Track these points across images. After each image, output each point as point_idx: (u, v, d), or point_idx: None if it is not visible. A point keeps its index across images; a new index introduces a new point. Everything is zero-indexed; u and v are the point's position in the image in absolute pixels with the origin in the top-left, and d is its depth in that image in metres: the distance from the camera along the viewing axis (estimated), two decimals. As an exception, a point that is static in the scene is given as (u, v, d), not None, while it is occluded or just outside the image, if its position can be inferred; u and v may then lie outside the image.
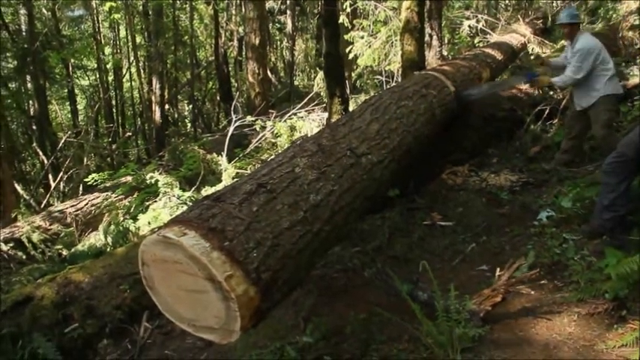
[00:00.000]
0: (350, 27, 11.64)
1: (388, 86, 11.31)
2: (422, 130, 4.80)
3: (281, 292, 2.64)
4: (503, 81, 7.36)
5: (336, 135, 3.76)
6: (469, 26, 12.03)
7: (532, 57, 10.24)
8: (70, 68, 17.88)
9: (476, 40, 11.84)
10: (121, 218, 8.07)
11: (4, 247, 7.60)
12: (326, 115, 8.41)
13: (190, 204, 7.10)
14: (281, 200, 2.80)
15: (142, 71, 18.15)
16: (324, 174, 3.21)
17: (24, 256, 7.68)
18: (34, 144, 15.60)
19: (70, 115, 19.79)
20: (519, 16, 12.11)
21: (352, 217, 3.49)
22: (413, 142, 4.55)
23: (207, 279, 2.32)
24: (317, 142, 3.54)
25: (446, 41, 12.67)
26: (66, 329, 4.29)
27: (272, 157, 3.47)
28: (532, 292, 3.65)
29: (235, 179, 7.78)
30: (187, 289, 2.43)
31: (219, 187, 7.61)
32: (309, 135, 10.09)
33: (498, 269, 3.83)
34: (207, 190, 7.83)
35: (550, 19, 12.30)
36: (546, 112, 6.82)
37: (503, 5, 16.74)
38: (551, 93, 7.08)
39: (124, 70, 19.84)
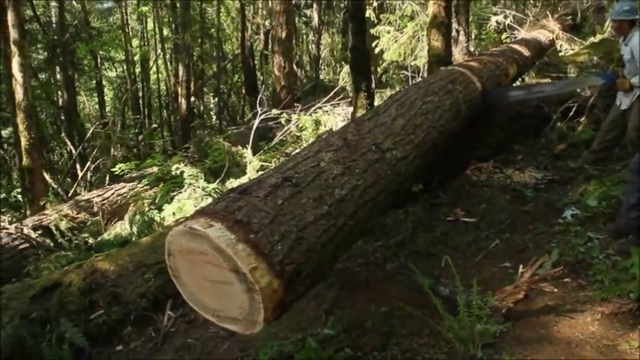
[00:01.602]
0: (376, 21, 11.62)
1: (414, 81, 11.27)
2: (447, 126, 4.78)
3: (304, 285, 2.67)
4: (573, 81, 7.09)
5: (361, 130, 3.77)
6: (497, 22, 11.92)
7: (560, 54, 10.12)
8: (99, 60, 18.11)
9: (503, 36, 11.73)
10: (147, 208, 8.18)
11: (34, 235, 7.75)
12: (351, 109, 8.41)
13: (215, 196, 7.19)
14: (306, 194, 2.82)
15: (168, 63, 18.30)
16: (349, 169, 3.22)
17: (52, 244, 7.83)
18: (63, 134, 15.85)
19: (97, 106, 20.05)
20: (548, 12, 11.95)
21: (376, 211, 3.50)
22: (438, 137, 4.54)
23: (232, 270, 2.35)
24: (342, 137, 3.56)
25: (473, 37, 12.56)
26: (92, 315, 4.39)
27: (297, 150, 3.49)
28: (555, 290, 3.63)
29: (260, 172, 7.85)
30: (212, 280, 2.47)
31: (244, 179, 7.68)
32: (334, 129, 10.11)
33: (521, 266, 3.81)
34: (232, 183, 7.90)
35: (580, 15, 12.13)
36: (573, 110, 6.74)
37: (531, 1, 16.53)
38: (578, 90, 6.98)
39: (151, 63, 20.02)
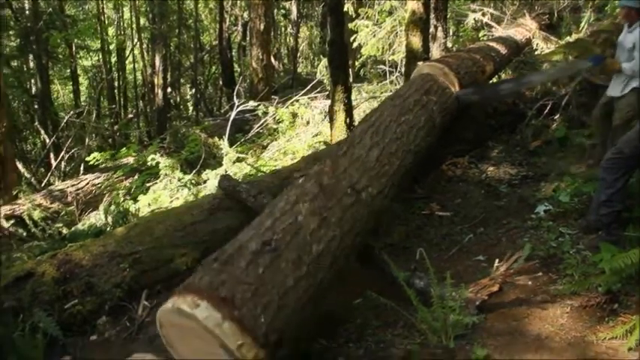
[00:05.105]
0: (355, 15, 11.64)
1: (391, 77, 11.33)
2: (422, 144, 4.77)
3: (287, 346, 2.76)
4: (562, 67, 6.96)
5: (336, 169, 3.75)
6: (474, 19, 12.01)
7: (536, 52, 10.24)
8: (73, 48, 17.80)
9: (481, 34, 11.83)
10: (122, 199, 8.13)
11: (6, 224, 7.65)
12: (328, 102, 8.43)
13: (190, 187, 7.21)
14: (285, 257, 2.86)
15: (145, 53, 18.10)
16: (325, 220, 3.25)
17: (24, 234, 7.74)
18: (36, 123, 15.58)
19: (72, 95, 19.72)
20: (525, 11, 12.08)
21: (352, 255, 3.60)
22: (412, 160, 4.55)
23: (220, 346, 2.46)
24: (318, 182, 3.54)
25: (451, 33, 12.64)
26: (66, 305, 4.34)
27: (275, 201, 3.44)
28: (528, 284, 3.70)
29: (235, 164, 7.84)
30: (204, 351, 2.59)
31: (221, 170, 7.66)
32: (310, 122, 10.15)
33: (497, 260, 3.88)
34: (208, 173, 7.89)
35: (556, 14, 12.29)
36: (548, 107, 6.83)
37: (509, -1, 16.69)
38: (554, 88, 7.06)
39: (127, 52, 19.77)
